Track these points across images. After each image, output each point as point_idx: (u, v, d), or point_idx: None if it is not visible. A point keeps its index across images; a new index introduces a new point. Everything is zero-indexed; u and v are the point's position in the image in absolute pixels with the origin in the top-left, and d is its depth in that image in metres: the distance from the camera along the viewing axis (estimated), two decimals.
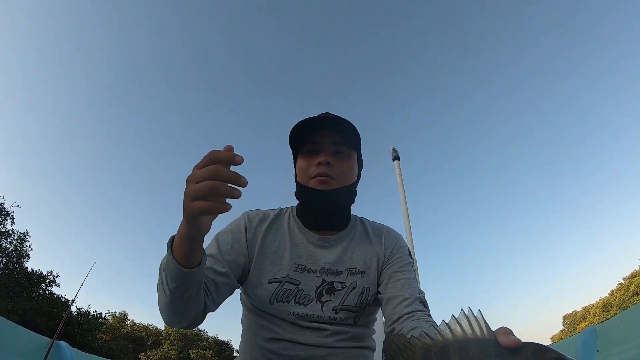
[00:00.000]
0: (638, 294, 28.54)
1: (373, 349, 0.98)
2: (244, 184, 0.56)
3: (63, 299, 18.89)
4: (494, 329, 0.42)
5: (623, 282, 32.34)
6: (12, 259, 17.41)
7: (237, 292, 0.96)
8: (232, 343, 33.60)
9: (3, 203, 17.01)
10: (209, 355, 28.97)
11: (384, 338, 0.53)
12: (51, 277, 18.79)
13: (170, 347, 28.17)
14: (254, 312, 0.93)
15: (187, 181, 0.58)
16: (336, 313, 0.89)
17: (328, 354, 0.87)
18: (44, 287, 18.60)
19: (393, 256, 0.96)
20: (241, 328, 1.01)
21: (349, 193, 0.97)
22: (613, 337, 2.92)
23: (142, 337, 29.13)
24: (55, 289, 19.02)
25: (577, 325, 37.24)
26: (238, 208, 1.01)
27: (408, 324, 0.78)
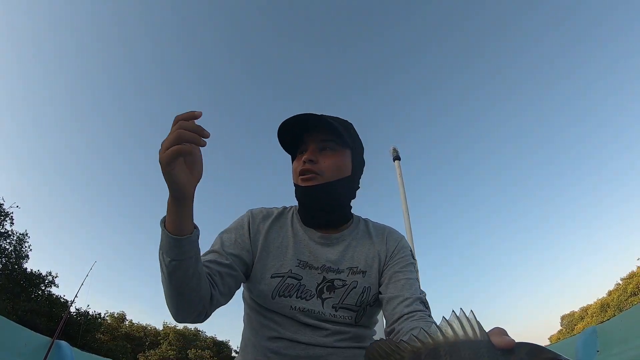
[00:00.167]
0: (635, 295, 28.56)
1: None
2: (207, 135, 0.66)
3: (62, 300, 18.88)
4: (488, 329, 0.41)
5: (621, 282, 32.36)
6: (11, 260, 17.38)
7: (238, 292, 0.97)
8: (230, 343, 33.55)
9: (2, 204, 16.99)
10: (207, 356, 28.87)
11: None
12: (50, 278, 18.76)
13: (168, 347, 28.07)
14: (256, 311, 0.94)
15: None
16: (336, 311, 0.90)
17: (328, 354, 0.87)
18: (43, 288, 18.55)
19: (395, 256, 0.96)
20: (240, 329, 1.01)
21: (341, 188, 0.97)
22: (613, 337, 2.92)
23: (140, 337, 29.03)
24: (54, 290, 19.02)
25: (575, 325, 37.25)
26: (243, 208, 1.04)
27: (408, 324, 0.78)
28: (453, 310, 0.42)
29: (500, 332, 0.40)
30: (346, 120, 1.03)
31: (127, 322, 29.38)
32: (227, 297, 0.89)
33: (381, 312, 0.95)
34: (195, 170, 0.70)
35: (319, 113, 0.94)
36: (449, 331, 0.41)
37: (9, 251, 17.35)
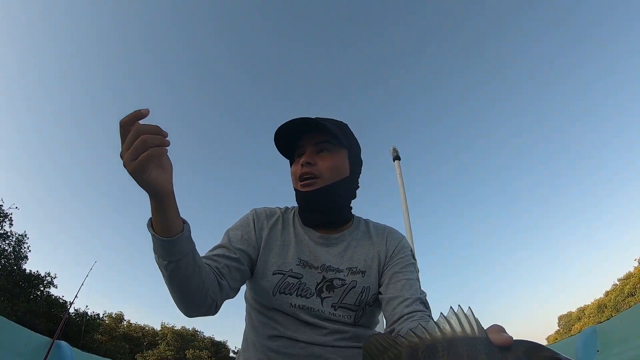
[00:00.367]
0: (632, 295, 28.62)
1: None
2: (166, 134, 0.62)
3: (61, 300, 18.85)
4: (486, 326, 0.41)
5: (618, 283, 32.41)
6: (10, 261, 17.36)
7: (239, 292, 0.97)
8: (228, 343, 33.56)
9: (1, 205, 17.00)
10: (205, 356, 28.85)
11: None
12: (49, 279, 18.74)
13: (166, 348, 28.04)
14: (257, 310, 0.95)
15: (121, 157, 0.62)
16: (335, 310, 0.91)
17: (327, 353, 0.88)
18: (42, 289, 18.53)
19: (395, 257, 0.97)
20: (238, 329, 1.03)
21: (341, 189, 0.98)
22: (613, 337, 2.92)
23: (138, 338, 28.99)
24: (52, 290, 18.99)
25: (572, 325, 37.29)
26: (243, 208, 1.06)
27: (407, 325, 0.78)
28: (451, 307, 0.42)
29: (498, 329, 0.40)
30: (341, 121, 1.05)
31: (125, 323, 29.34)
32: (235, 290, 0.90)
33: (381, 312, 0.96)
34: (165, 165, 0.67)
35: (318, 114, 0.95)
36: (447, 327, 0.41)
37: (8, 252, 17.34)
